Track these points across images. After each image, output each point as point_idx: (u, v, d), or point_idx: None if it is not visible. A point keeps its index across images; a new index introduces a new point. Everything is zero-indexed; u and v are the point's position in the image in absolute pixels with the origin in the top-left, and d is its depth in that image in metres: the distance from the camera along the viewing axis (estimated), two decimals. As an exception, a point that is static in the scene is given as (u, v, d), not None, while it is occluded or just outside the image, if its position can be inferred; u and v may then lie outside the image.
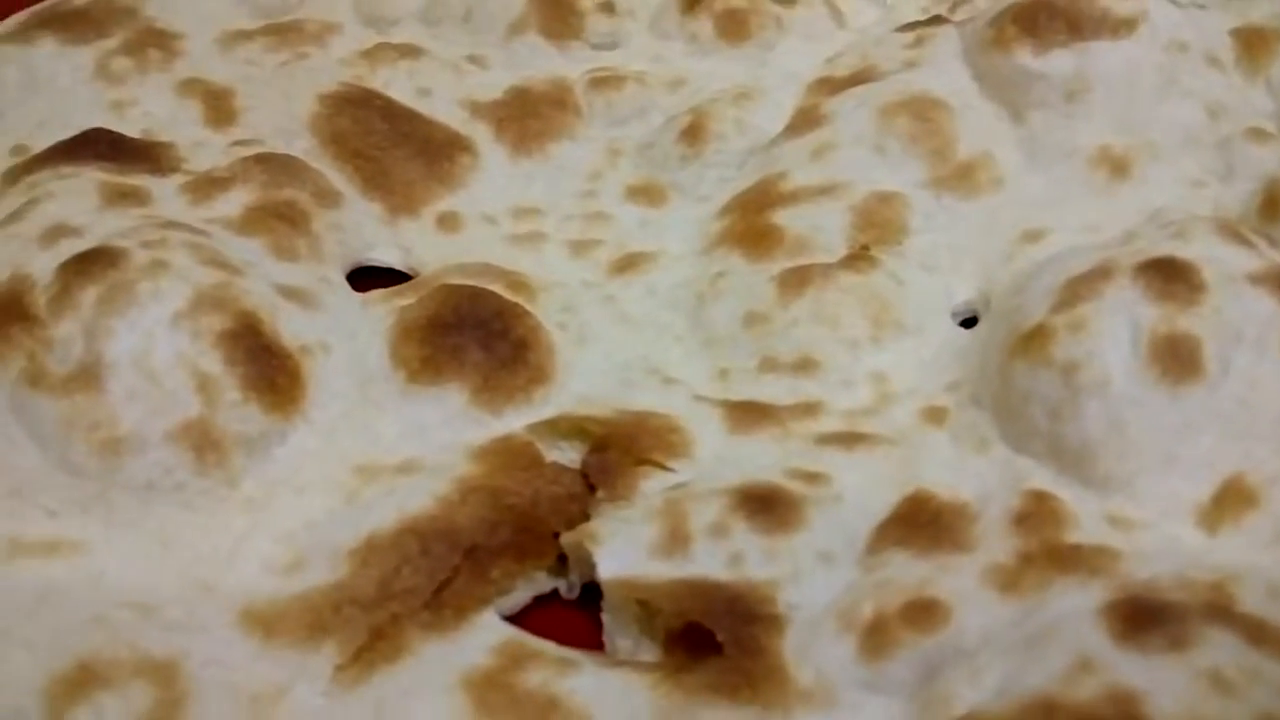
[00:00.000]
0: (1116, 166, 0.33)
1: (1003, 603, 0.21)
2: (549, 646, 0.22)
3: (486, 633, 0.22)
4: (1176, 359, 0.25)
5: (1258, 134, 0.33)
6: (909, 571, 0.22)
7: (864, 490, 0.25)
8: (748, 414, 0.28)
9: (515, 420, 0.27)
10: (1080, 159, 0.33)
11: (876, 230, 0.32)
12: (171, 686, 0.21)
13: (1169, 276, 0.26)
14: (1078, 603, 0.20)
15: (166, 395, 0.25)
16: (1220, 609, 0.20)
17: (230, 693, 0.21)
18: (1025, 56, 0.34)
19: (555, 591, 0.25)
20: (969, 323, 0.31)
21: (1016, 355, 0.26)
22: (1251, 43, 0.36)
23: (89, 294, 0.26)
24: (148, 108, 0.36)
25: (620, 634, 0.23)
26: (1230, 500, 0.23)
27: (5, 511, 0.24)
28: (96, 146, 0.33)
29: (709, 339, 0.30)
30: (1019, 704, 0.19)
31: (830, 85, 0.37)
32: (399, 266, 0.33)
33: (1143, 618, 0.20)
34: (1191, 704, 0.18)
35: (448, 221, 0.34)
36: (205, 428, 0.25)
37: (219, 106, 0.36)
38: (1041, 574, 0.22)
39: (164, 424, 0.25)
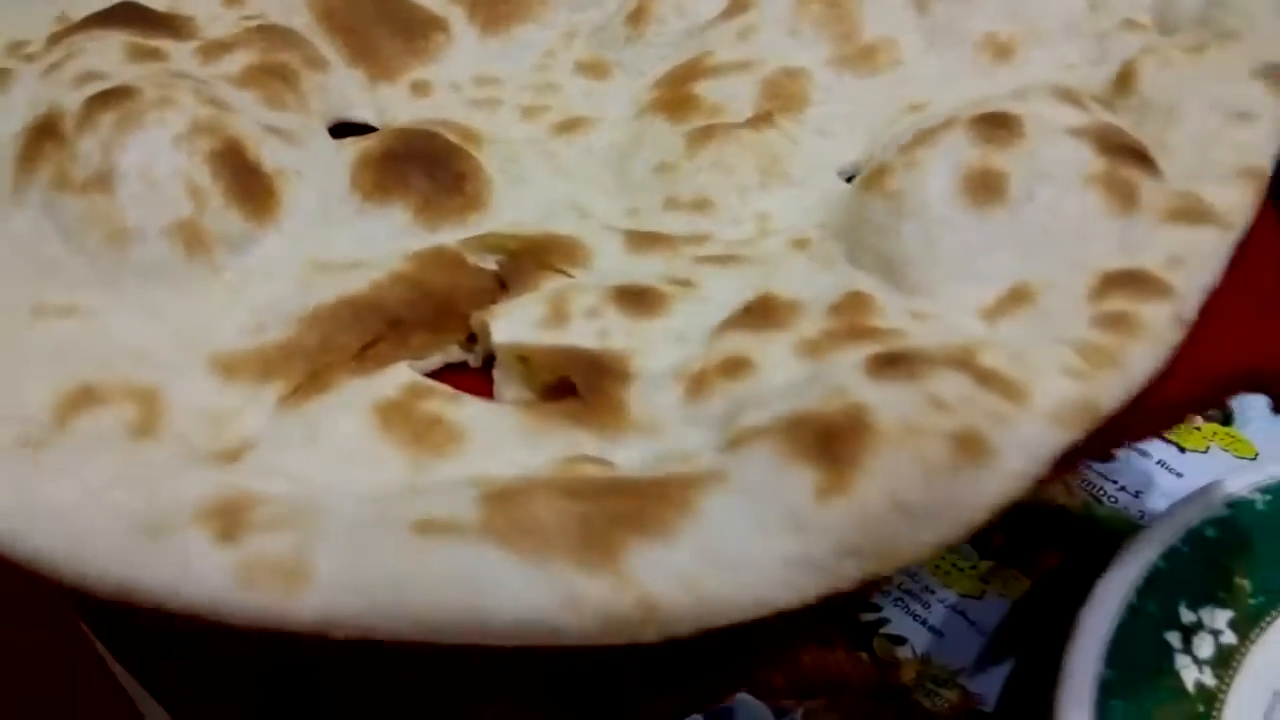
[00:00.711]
0: (1000, 50, 0.38)
1: (802, 364, 0.27)
2: (446, 388, 0.28)
3: (398, 377, 0.28)
4: (985, 188, 0.30)
5: (1131, 24, 0.38)
6: (735, 342, 0.28)
7: (724, 294, 0.30)
8: (645, 239, 0.33)
9: (449, 236, 0.33)
10: (970, 44, 0.38)
11: (781, 100, 0.37)
12: (153, 405, 0.27)
13: (995, 124, 0.31)
14: (852, 358, 0.26)
15: (164, 199, 0.31)
16: (961, 360, 0.25)
17: (196, 412, 0.27)
18: (931, -45, 0.39)
19: (465, 363, 0.31)
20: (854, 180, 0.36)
21: (862, 189, 0.32)
22: (1143, -55, 0.40)
23: (107, 119, 0.32)
24: (174, -12, 0.42)
25: (506, 386, 0.29)
26: (1011, 299, 0.28)
27: (34, 286, 0.30)
28: (126, 16, 0.39)
29: (626, 185, 0.36)
30: (778, 419, 0.24)
31: (763, -20, 0.42)
32: (374, 124, 0.38)
33: (893, 360, 0.25)
34: (907, 415, 0.23)
35: (419, 88, 0.40)
36: (194, 227, 0.31)
37: (234, -12, 0.42)
38: (837, 343, 0.27)
39: (161, 221, 0.31)
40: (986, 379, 0.25)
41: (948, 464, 0.23)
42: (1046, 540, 0.45)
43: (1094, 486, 0.48)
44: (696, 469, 0.24)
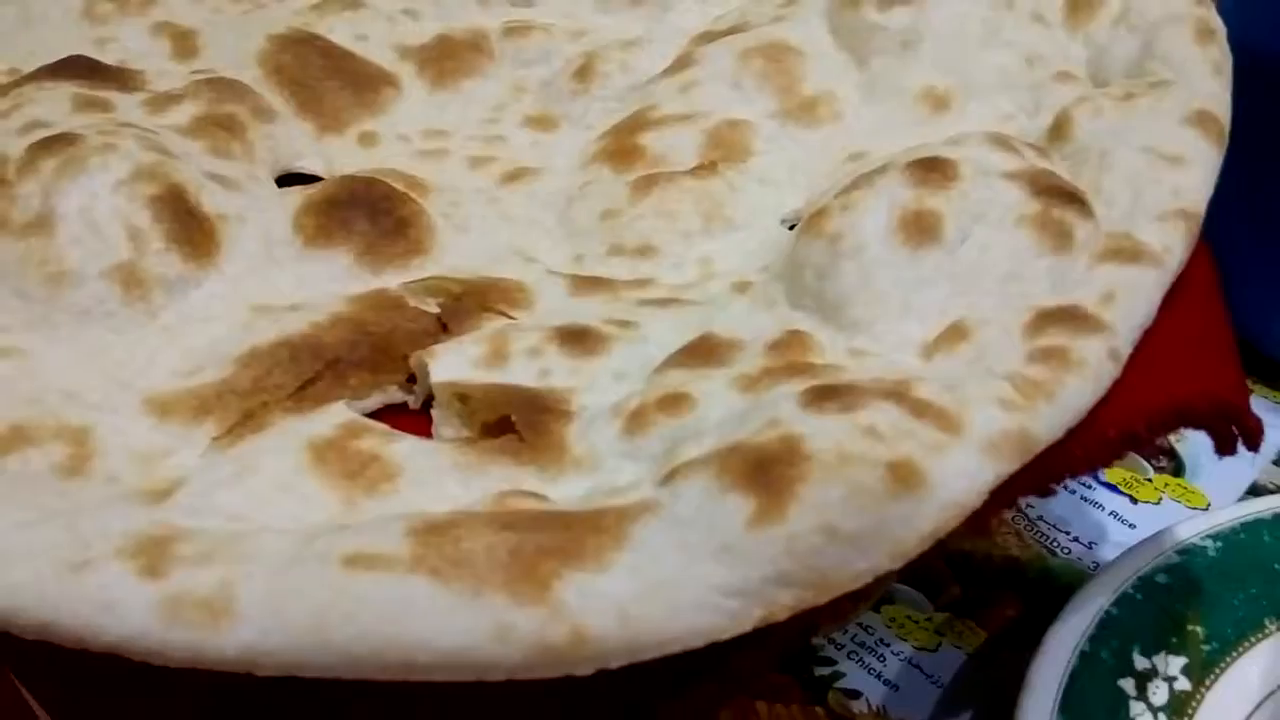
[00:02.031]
0: (938, 102, 0.38)
1: (740, 399, 0.27)
2: (382, 426, 0.28)
3: (335, 416, 0.28)
4: (919, 228, 0.30)
5: (1065, 76, 0.39)
6: (674, 379, 0.28)
7: (665, 335, 0.30)
8: (588, 284, 0.34)
9: (391, 280, 0.33)
10: (908, 96, 0.39)
11: (724, 150, 0.37)
12: (83, 445, 0.27)
13: (930, 168, 0.31)
14: (787, 391, 0.26)
15: (104, 242, 0.31)
16: (896, 393, 0.25)
17: (127, 453, 0.27)
18: (871, 12, 0.40)
19: (405, 404, 0.30)
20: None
21: (801, 231, 0.32)
22: (1078, 5, 0.41)
23: (49, 163, 0.32)
24: (125, 44, 0.42)
25: (445, 425, 0.29)
26: (948, 337, 0.29)
27: (-32, 327, 0.30)
28: (76, 68, 0.39)
29: (571, 232, 0.36)
30: (714, 451, 0.24)
31: (709, 37, 0.42)
32: (321, 174, 0.38)
33: (828, 392, 0.25)
34: (841, 444, 0.23)
35: (367, 139, 0.40)
36: (133, 269, 0.31)
37: (184, 44, 0.42)
38: (775, 379, 0.27)
39: (100, 264, 0.31)
40: (921, 410, 0.25)
41: (881, 492, 0.23)
42: (1001, 592, 0.45)
43: (1047, 538, 0.47)
44: (630, 501, 0.23)
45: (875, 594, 0.43)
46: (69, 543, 0.23)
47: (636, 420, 0.27)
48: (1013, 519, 0.48)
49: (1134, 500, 0.49)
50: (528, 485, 0.26)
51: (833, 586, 0.23)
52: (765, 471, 0.23)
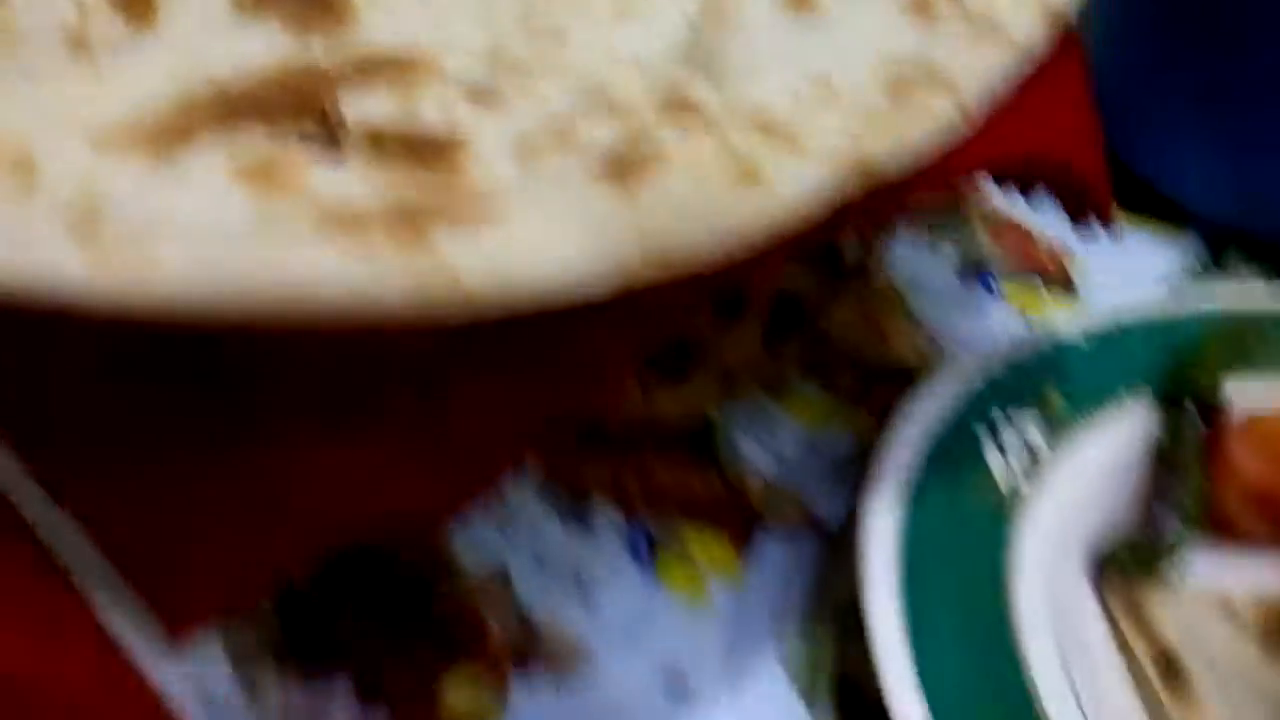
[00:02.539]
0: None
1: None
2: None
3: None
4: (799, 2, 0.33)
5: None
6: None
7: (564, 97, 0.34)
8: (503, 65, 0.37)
9: (316, 49, 0.36)
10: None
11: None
12: (28, 171, 0.30)
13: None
14: (654, 117, 0.29)
15: (52, 8, 0.34)
16: (753, 117, 0.28)
17: (68, 177, 0.30)
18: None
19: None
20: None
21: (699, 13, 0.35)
22: None
23: (1, -61, 0.35)
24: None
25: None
26: (816, 92, 0.32)
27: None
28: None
29: (489, 21, 0.39)
30: (584, 149, 0.27)
31: None
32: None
33: (689, 111, 0.28)
34: (695, 148, 0.27)
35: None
36: (80, 33, 0.34)
37: None
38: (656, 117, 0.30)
39: (48, 25, 0.34)
40: (772, 129, 0.28)
41: (729, 186, 0.26)
42: (892, 386, 0.49)
43: (938, 346, 0.51)
44: (502, 179, 0.27)
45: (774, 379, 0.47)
46: (6, 214, 0.27)
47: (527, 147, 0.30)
48: (907, 328, 0.51)
49: (1026, 314, 0.53)
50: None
51: (678, 263, 0.26)
52: (626, 168, 0.26)
